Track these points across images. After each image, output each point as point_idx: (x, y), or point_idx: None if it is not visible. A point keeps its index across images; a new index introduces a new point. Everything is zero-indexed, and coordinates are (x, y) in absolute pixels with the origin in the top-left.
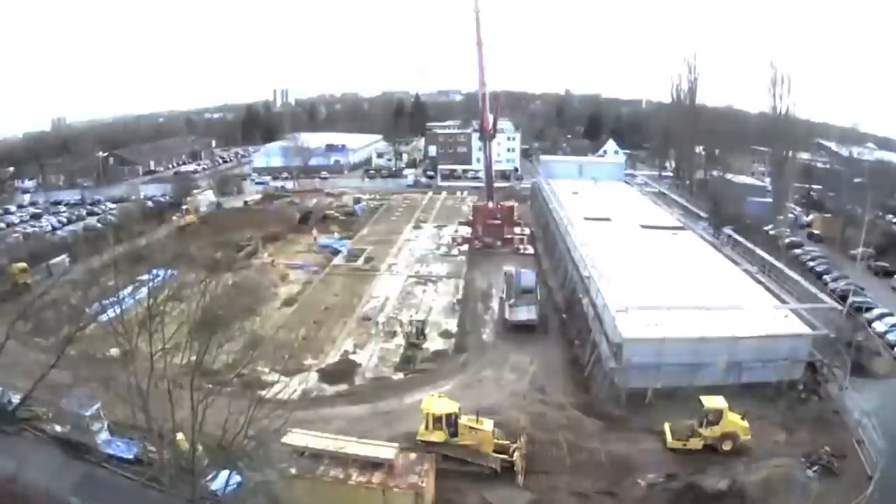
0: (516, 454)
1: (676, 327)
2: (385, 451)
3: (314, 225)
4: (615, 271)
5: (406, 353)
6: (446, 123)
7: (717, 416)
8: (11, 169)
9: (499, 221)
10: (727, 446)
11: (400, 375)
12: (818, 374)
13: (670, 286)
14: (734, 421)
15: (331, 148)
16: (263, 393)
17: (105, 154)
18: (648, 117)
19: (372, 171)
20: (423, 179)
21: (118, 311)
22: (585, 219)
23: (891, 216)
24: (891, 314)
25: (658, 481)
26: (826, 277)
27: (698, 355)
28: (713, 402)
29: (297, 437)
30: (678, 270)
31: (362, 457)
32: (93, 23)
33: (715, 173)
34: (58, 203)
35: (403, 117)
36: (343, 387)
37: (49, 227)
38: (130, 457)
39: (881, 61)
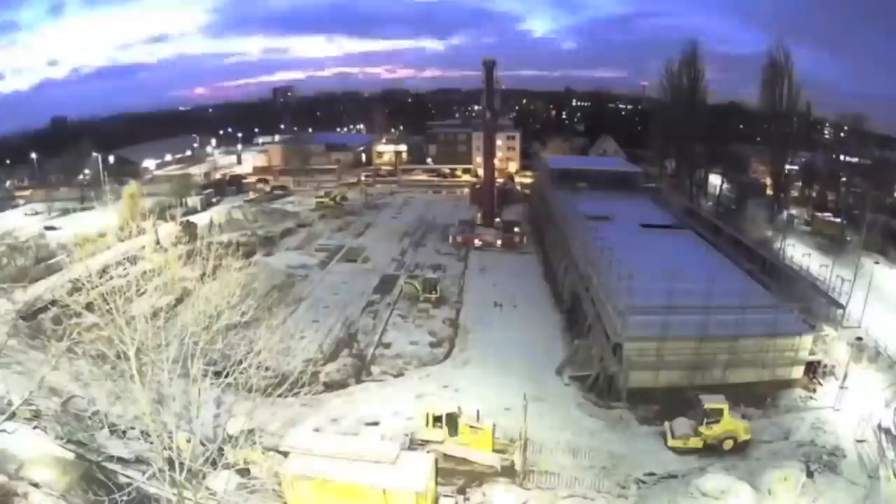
0: (516, 453)
1: (677, 327)
2: (386, 450)
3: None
4: (615, 270)
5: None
6: (446, 122)
7: (718, 415)
8: (11, 169)
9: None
10: (728, 446)
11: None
12: (818, 372)
13: (671, 284)
14: (734, 420)
15: (331, 147)
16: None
17: (105, 154)
18: (648, 115)
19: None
20: None
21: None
22: (588, 217)
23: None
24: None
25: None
26: None
27: (699, 355)
28: (714, 401)
29: (297, 438)
30: (679, 269)
31: (363, 456)
32: (93, 22)
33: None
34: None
35: (404, 116)
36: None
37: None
38: (130, 457)
39: (882, 59)
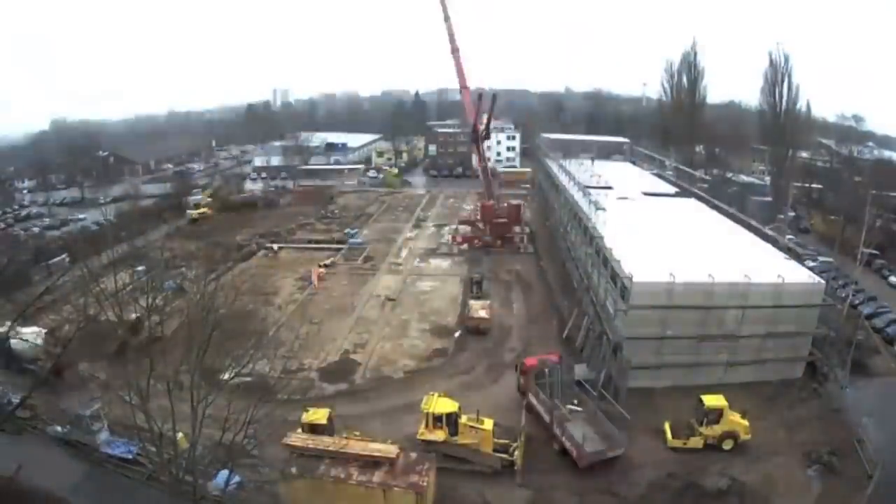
0: (516, 453)
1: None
2: (386, 451)
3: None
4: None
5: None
6: (446, 122)
7: (718, 414)
8: (11, 169)
9: (504, 220)
10: (728, 445)
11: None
12: (818, 372)
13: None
14: (735, 420)
15: (331, 147)
16: None
17: (105, 154)
18: (648, 115)
19: (372, 173)
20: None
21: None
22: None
23: (891, 215)
24: (889, 310)
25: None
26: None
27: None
28: (714, 400)
29: (297, 439)
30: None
31: (363, 456)
32: (93, 22)
33: (715, 172)
34: (58, 203)
35: (404, 116)
36: None
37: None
38: (130, 457)
39: (882, 59)
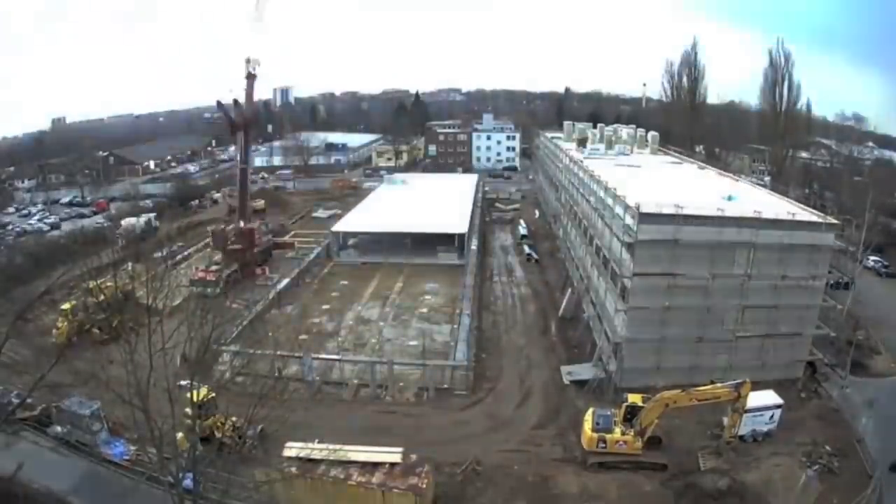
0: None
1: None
2: (388, 456)
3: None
4: None
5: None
6: (446, 122)
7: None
8: (11, 168)
9: (240, 247)
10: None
11: None
12: (818, 372)
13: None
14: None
15: (331, 147)
16: None
17: (105, 154)
18: (649, 116)
19: (370, 171)
20: None
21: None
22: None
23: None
24: None
25: None
26: None
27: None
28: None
29: (296, 450)
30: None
31: (363, 458)
32: (93, 22)
33: None
34: (56, 202)
35: (404, 116)
36: None
37: (39, 228)
38: (130, 457)
39: (881, 59)
